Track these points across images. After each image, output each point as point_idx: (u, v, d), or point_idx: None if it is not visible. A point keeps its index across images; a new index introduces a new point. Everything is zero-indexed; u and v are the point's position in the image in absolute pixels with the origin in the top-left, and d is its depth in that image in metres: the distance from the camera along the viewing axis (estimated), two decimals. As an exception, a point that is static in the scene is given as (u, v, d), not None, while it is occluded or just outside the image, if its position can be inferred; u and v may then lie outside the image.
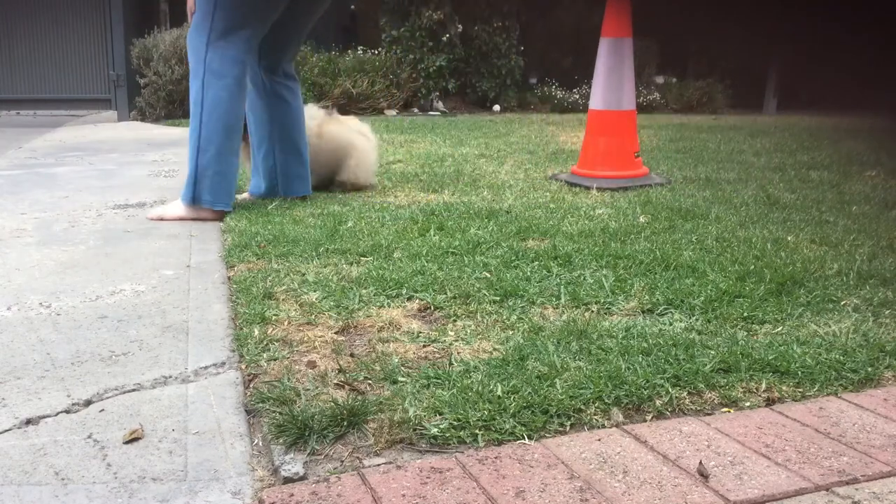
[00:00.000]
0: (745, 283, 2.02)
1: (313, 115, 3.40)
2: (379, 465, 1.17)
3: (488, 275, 2.08)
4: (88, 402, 1.37)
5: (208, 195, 2.79)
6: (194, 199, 2.80)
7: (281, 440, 1.23)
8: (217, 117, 2.75)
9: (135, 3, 7.30)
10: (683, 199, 3.24)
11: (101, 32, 7.52)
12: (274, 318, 1.74)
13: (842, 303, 1.90)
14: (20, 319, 1.78)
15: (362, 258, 2.27)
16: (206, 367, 1.52)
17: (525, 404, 1.32)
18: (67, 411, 1.33)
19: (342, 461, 1.19)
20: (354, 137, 3.50)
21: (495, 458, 1.18)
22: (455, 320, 1.77)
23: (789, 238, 2.57)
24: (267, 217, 2.82)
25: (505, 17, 8.66)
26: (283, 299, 1.88)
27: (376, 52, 8.58)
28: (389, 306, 1.85)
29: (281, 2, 2.80)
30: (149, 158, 4.52)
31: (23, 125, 6.67)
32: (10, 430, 1.27)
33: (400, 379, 1.44)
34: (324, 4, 3.02)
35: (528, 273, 2.10)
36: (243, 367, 1.52)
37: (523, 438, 1.24)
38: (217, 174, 2.79)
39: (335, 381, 1.43)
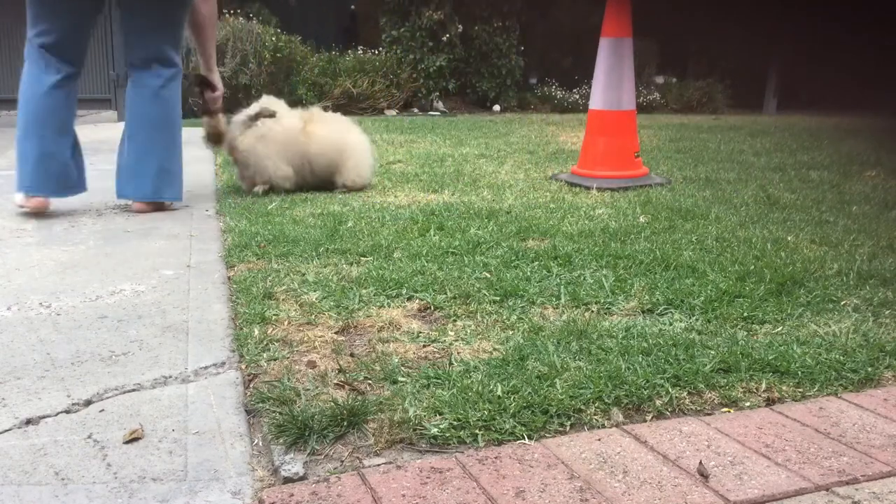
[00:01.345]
0: (745, 283, 2.02)
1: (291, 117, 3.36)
2: (379, 465, 1.17)
3: (488, 275, 2.08)
4: (88, 402, 1.37)
5: (26, 181, 2.85)
6: (18, 188, 2.87)
7: (281, 440, 1.23)
8: (23, 103, 2.85)
9: (135, 3, 7.29)
10: (683, 199, 3.24)
11: (102, 32, 7.52)
12: (274, 318, 1.74)
13: (842, 303, 1.90)
14: (20, 319, 1.78)
15: (362, 258, 2.27)
16: (206, 367, 1.52)
17: (525, 404, 1.32)
18: (67, 411, 1.33)
19: (342, 461, 1.19)
20: (347, 136, 3.47)
21: (495, 458, 1.18)
22: (455, 320, 1.77)
23: (789, 238, 2.57)
24: (267, 217, 2.82)
25: (505, 17, 8.67)
26: (283, 299, 1.88)
27: (376, 52, 8.58)
28: (389, 306, 1.85)
29: (66, 7, 2.82)
30: (149, 158, 4.52)
31: (23, 125, 6.66)
32: (10, 430, 1.27)
33: (400, 379, 1.44)
34: (155, 8, 2.96)
35: (528, 273, 2.10)
36: (243, 367, 1.52)
37: (523, 438, 1.24)
38: (20, 159, 2.84)
39: (335, 381, 1.43)
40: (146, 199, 2.99)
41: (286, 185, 3.34)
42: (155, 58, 2.94)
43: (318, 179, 3.44)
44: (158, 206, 3.02)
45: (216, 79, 3.25)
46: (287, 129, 3.30)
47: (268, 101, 3.39)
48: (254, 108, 3.33)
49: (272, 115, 3.30)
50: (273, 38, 7.67)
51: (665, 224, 2.75)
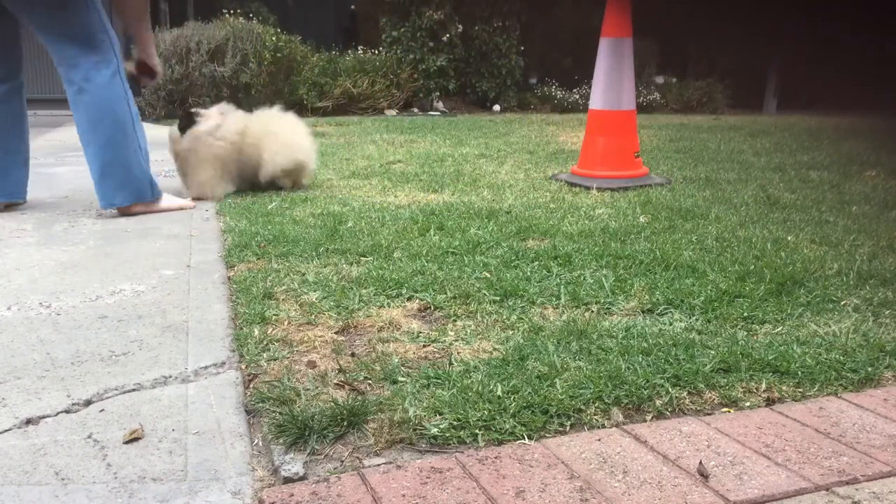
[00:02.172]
0: (745, 283, 2.02)
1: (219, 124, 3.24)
2: (379, 465, 1.17)
3: (488, 275, 2.08)
4: (88, 402, 1.37)
5: None
6: None
7: (281, 440, 1.23)
8: None
9: (135, 2, 7.29)
10: (683, 199, 3.24)
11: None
12: (274, 318, 1.74)
13: (842, 303, 1.90)
14: (20, 319, 1.78)
15: (362, 258, 2.27)
16: (206, 367, 1.52)
17: (525, 404, 1.32)
18: (67, 411, 1.33)
19: (342, 461, 1.19)
20: (273, 131, 3.36)
21: (495, 458, 1.18)
22: (455, 320, 1.77)
23: (789, 238, 2.57)
24: (267, 217, 2.82)
25: (505, 17, 8.67)
26: (283, 299, 1.88)
27: (376, 52, 8.58)
28: (389, 306, 1.85)
29: None
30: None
31: (23, 125, 6.65)
32: (10, 430, 1.27)
33: (400, 379, 1.44)
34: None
35: (528, 273, 2.10)
36: (243, 367, 1.52)
37: (523, 438, 1.24)
38: None
39: (335, 381, 1.43)
40: (105, 208, 2.90)
41: (215, 195, 3.27)
42: (66, 64, 2.80)
43: (247, 180, 3.37)
44: (126, 210, 2.93)
45: (155, 63, 3.09)
46: (219, 142, 3.21)
47: (221, 110, 3.31)
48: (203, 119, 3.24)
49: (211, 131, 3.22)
50: (273, 38, 7.67)
51: (665, 224, 2.75)
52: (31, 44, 3.07)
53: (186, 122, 3.26)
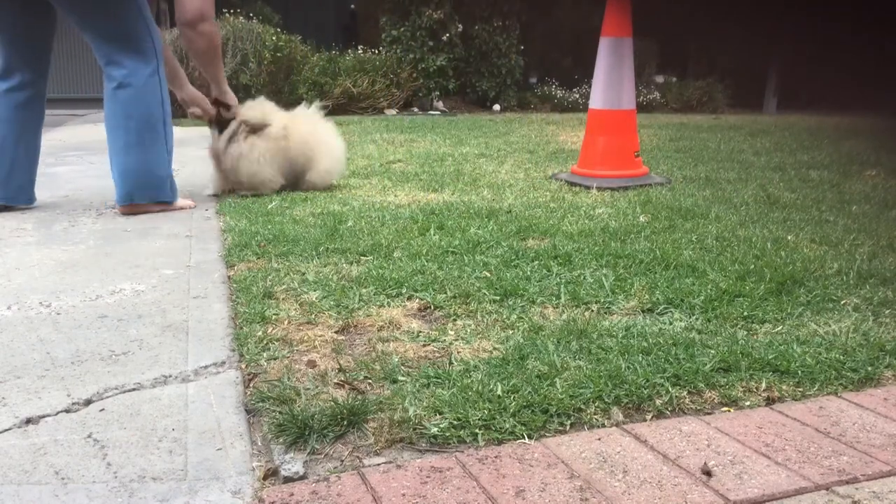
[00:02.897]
0: (745, 282, 2.02)
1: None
2: (379, 464, 1.17)
3: (488, 274, 2.08)
4: (88, 402, 1.37)
5: None
6: None
7: (281, 440, 1.23)
8: None
9: (135, 2, 7.29)
10: (683, 199, 3.24)
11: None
12: (274, 317, 1.74)
13: (842, 302, 1.90)
14: (20, 319, 1.78)
15: (362, 257, 2.27)
16: (206, 367, 1.52)
17: (525, 404, 1.32)
18: (67, 410, 1.33)
19: (342, 461, 1.19)
20: (323, 136, 3.46)
21: (495, 457, 1.18)
22: (455, 320, 1.77)
23: (789, 237, 2.57)
24: (267, 217, 2.82)
25: (505, 16, 8.68)
26: (283, 299, 1.89)
27: (376, 51, 8.59)
28: (389, 306, 1.85)
29: None
30: (149, 158, 4.51)
31: (23, 124, 6.65)
32: (10, 429, 1.27)
33: (400, 378, 1.44)
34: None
35: (528, 272, 2.10)
36: (243, 366, 1.52)
37: (523, 438, 1.24)
38: None
39: (335, 381, 1.43)
40: (120, 203, 2.92)
41: (273, 188, 3.34)
42: (106, 60, 2.86)
43: (293, 177, 3.42)
44: (137, 209, 2.93)
45: (229, 99, 3.22)
46: (272, 144, 3.26)
47: (256, 107, 3.34)
48: (240, 118, 3.26)
49: (261, 128, 3.26)
50: (273, 38, 7.67)
51: (665, 223, 2.75)
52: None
53: (221, 125, 3.29)
